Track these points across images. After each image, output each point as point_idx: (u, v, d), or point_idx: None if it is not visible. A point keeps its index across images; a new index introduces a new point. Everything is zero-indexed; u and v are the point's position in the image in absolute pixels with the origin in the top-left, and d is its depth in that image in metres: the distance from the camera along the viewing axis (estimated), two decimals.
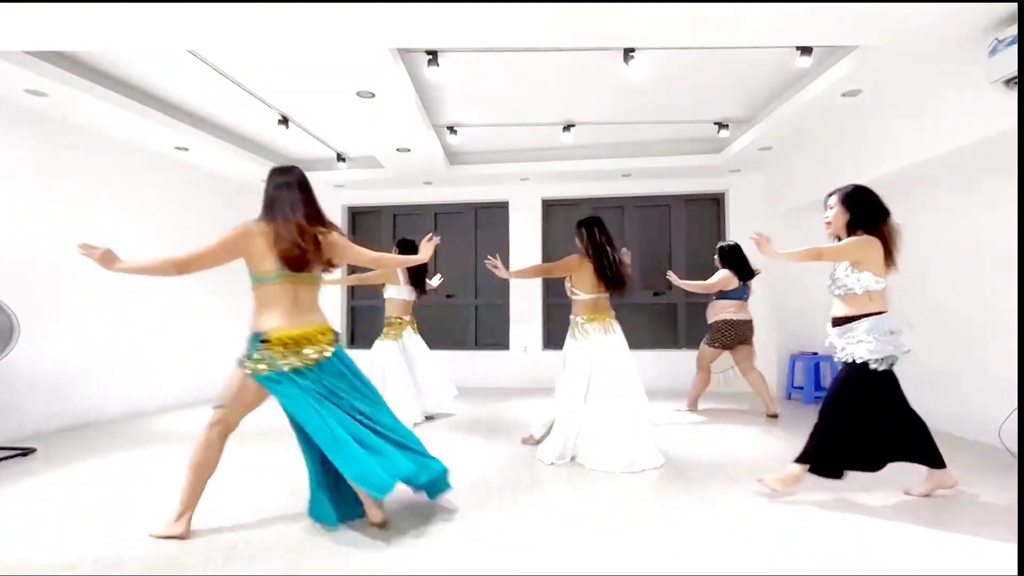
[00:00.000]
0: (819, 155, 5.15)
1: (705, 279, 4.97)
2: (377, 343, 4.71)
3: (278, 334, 2.19)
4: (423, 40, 3.44)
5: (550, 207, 7.16)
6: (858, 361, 2.54)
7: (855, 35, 3.32)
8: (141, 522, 2.37)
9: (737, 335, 4.82)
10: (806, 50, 3.62)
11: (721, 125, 5.32)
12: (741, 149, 5.56)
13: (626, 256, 3.71)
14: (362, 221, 7.61)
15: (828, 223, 2.73)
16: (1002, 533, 2.25)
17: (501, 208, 7.22)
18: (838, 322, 2.65)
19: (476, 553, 2.10)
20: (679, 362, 6.44)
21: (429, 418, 4.74)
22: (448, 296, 7.29)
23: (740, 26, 3.22)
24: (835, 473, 2.62)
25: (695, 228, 6.92)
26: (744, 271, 4.85)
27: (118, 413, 4.85)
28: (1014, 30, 2.93)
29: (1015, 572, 1.91)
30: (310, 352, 2.23)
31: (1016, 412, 3.39)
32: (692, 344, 6.71)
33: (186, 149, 5.35)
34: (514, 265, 6.81)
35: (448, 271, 7.27)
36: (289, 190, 2.33)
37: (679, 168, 6.29)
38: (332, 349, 2.32)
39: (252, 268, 2.27)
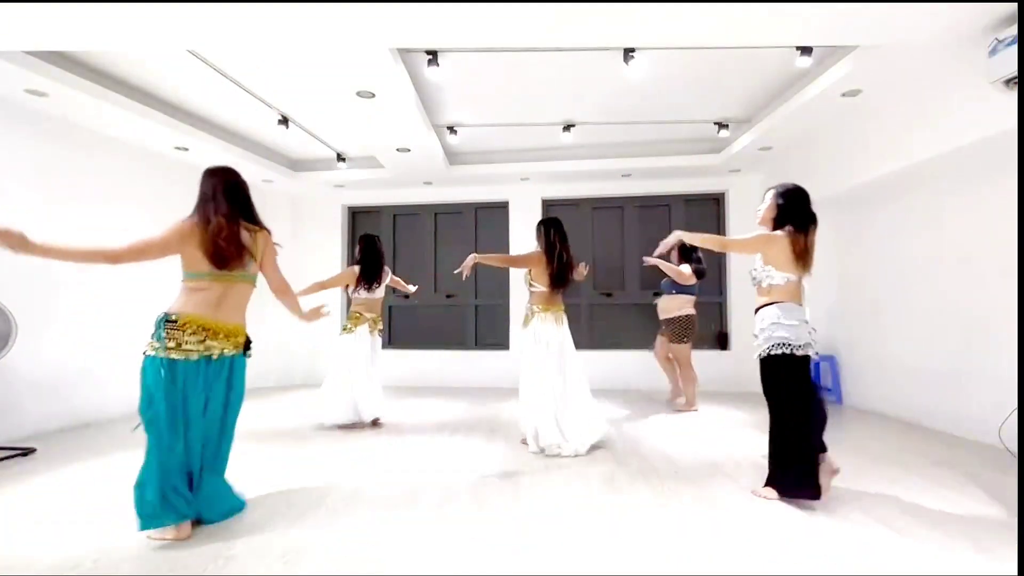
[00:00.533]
0: (819, 155, 5.15)
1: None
2: (339, 337, 4.63)
3: (189, 317, 2.28)
4: (423, 40, 3.44)
5: (550, 207, 7.15)
6: (770, 352, 2.63)
7: (855, 35, 3.32)
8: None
9: (696, 329, 5.10)
10: (806, 50, 3.62)
11: (721, 125, 5.32)
12: (741, 149, 5.56)
13: (583, 268, 4.12)
14: (362, 221, 7.61)
15: (760, 215, 2.84)
16: (1002, 533, 2.25)
17: (501, 208, 7.22)
18: (756, 312, 2.78)
19: (476, 553, 2.10)
20: None
21: (375, 422, 4.55)
22: (448, 296, 7.30)
23: (740, 26, 3.22)
24: (816, 487, 2.54)
25: (695, 228, 6.84)
26: (700, 270, 5.02)
27: (118, 413, 4.84)
28: (1014, 30, 2.93)
29: (1015, 572, 1.91)
30: (215, 345, 2.34)
31: (1016, 412, 3.39)
32: (691, 344, 6.71)
33: (186, 149, 5.35)
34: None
35: (448, 271, 7.28)
36: (216, 191, 2.42)
37: (679, 168, 6.29)
38: (235, 352, 2.45)
39: (185, 266, 2.37)
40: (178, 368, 2.25)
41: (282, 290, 2.73)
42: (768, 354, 2.63)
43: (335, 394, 4.42)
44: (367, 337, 4.57)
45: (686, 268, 4.93)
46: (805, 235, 2.66)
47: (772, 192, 2.80)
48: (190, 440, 2.34)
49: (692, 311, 5.05)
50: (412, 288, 4.99)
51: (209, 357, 2.33)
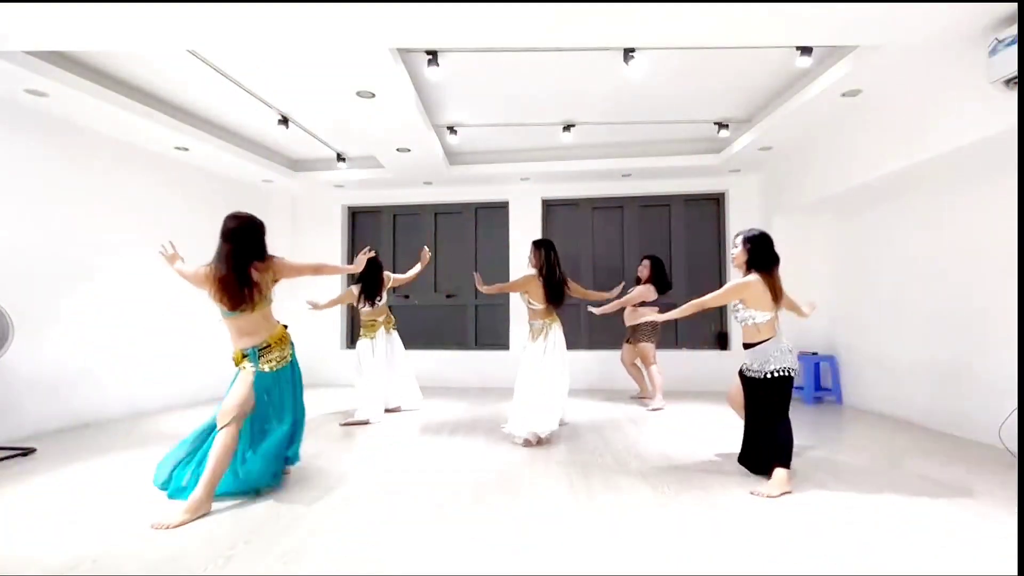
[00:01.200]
0: (819, 155, 5.15)
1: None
2: (358, 342, 4.98)
3: (271, 339, 2.78)
4: (423, 40, 3.44)
5: (550, 207, 7.16)
6: (776, 375, 2.96)
7: (855, 35, 3.32)
8: (141, 522, 2.38)
9: (660, 330, 5.43)
10: (806, 50, 3.62)
11: (721, 125, 5.32)
12: (741, 149, 5.56)
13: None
14: (362, 221, 7.61)
15: (734, 258, 3.13)
16: (1002, 533, 2.25)
17: (501, 208, 7.22)
18: (746, 347, 3.10)
19: (476, 553, 2.10)
20: (679, 362, 6.45)
21: (391, 410, 5.08)
22: (448, 296, 7.30)
23: (740, 26, 3.22)
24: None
25: (695, 228, 6.93)
26: (663, 284, 5.38)
27: (118, 413, 4.85)
28: (1014, 30, 2.93)
29: (1015, 572, 1.91)
30: (285, 354, 2.84)
31: (1016, 412, 3.39)
32: (691, 344, 6.73)
33: (186, 149, 5.35)
34: (513, 266, 6.86)
35: (448, 271, 7.29)
36: (221, 243, 2.70)
37: (679, 168, 6.29)
38: (291, 355, 2.90)
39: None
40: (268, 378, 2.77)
41: (317, 270, 3.09)
42: (768, 377, 2.97)
43: (369, 393, 4.74)
44: (385, 338, 5.00)
45: (637, 292, 5.27)
46: (770, 275, 2.99)
47: (741, 237, 3.10)
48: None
49: (654, 318, 5.24)
50: (425, 259, 5.00)
51: (284, 363, 2.83)
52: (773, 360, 2.96)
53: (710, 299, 3.07)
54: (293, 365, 2.90)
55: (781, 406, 3.00)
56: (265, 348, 2.75)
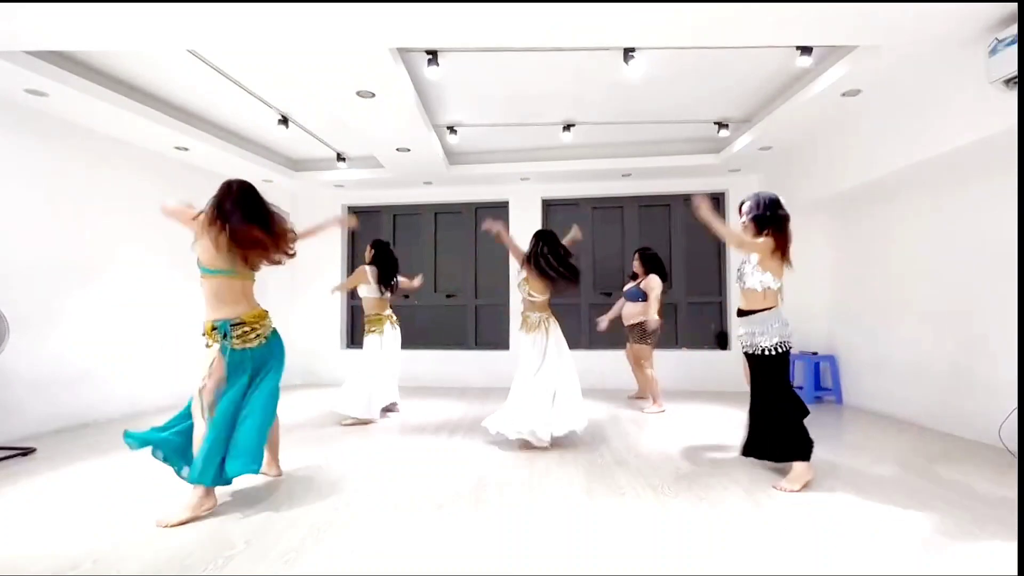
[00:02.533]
0: (819, 155, 5.15)
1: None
2: (365, 339, 4.87)
3: (246, 316, 2.67)
4: (423, 40, 3.44)
5: (550, 207, 7.16)
6: (773, 351, 2.88)
7: (855, 35, 3.32)
8: (141, 522, 2.38)
9: (660, 331, 5.21)
10: (806, 50, 3.62)
11: (721, 125, 5.32)
12: (741, 149, 5.56)
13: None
14: (362, 221, 7.57)
15: (743, 222, 3.02)
16: (1002, 533, 2.25)
17: (501, 208, 7.22)
18: (742, 314, 3.01)
19: (476, 553, 2.10)
20: (679, 362, 6.45)
21: (388, 409, 4.99)
22: (448, 296, 7.30)
23: (740, 26, 3.22)
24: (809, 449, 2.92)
25: (695, 228, 6.91)
26: (662, 274, 5.19)
27: (118, 413, 4.84)
28: (1014, 30, 2.93)
29: (1015, 572, 1.91)
30: (260, 332, 2.72)
31: (1016, 412, 3.39)
32: (691, 344, 6.73)
33: (186, 149, 5.35)
34: (513, 265, 6.83)
35: (448, 271, 7.29)
36: (237, 197, 2.68)
37: (679, 168, 6.29)
38: (268, 337, 2.78)
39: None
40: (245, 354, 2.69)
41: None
42: (764, 354, 2.90)
43: (359, 390, 4.62)
44: (392, 335, 4.91)
45: (656, 287, 5.09)
46: (783, 234, 2.91)
47: (749, 203, 2.98)
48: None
49: (656, 316, 5.16)
50: (417, 283, 5.24)
51: (259, 344, 2.73)
52: (769, 333, 2.87)
53: (735, 233, 2.96)
54: (270, 350, 2.76)
55: (784, 385, 2.92)
56: (238, 324, 2.63)
